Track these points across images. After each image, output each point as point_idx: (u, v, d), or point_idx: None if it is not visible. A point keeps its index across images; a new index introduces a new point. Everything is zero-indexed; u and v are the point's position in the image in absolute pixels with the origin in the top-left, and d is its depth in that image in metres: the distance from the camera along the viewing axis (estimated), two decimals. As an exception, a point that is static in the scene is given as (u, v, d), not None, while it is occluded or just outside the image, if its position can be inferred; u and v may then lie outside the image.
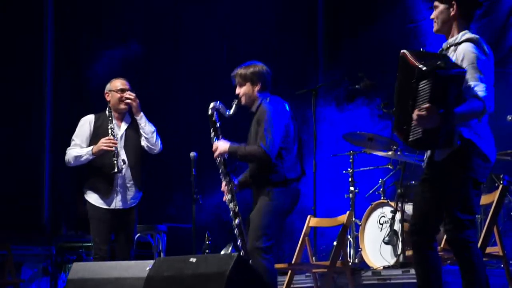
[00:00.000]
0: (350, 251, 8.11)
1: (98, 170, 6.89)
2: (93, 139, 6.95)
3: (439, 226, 4.94)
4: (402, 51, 4.76)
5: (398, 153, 7.81)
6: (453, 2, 4.86)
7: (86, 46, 10.20)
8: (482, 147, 4.76)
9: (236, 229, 6.11)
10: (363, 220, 7.89)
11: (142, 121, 7.02)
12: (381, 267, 7.41)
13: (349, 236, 8.03)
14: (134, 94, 7.01)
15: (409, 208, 7.26)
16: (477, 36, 4.82)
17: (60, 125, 10.08)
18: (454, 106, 4.56)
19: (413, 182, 7.66)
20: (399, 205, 7.26)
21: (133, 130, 7.06)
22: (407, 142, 4.76)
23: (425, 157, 5.03)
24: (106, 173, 6.84)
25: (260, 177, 6.11)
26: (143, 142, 7.02)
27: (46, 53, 10.10)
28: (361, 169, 8.59)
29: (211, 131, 6.27)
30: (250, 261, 5.84)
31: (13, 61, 9.78)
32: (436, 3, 4.95)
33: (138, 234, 8.44)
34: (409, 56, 4.67)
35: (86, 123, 7.05)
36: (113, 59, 10.06)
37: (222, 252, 6.07)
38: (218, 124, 6.26)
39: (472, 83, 4.62)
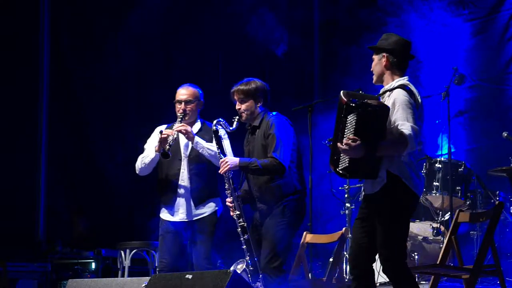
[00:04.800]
0: (347, 267, 8.10)
1: (164, 182, 6.64)
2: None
3: (374, 258, 5.22)
4: (341, 91, 5.12)
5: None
6: (384, 54, 5.28)
7: (82, 74, 10.29)
8: (408, 183, 5.08)
9: (244, 245, 6.08)
10: (359, 237, 7.88)
11: (198, 147, 6.52)
12: (378, 284, 7.40)
13: (345, 253, 8.02)
14: (180, 125, 6.48)
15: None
16: (408, 83, 5.22)
17: (55, 142, 10.10)
18: (378, 139, 4.98)
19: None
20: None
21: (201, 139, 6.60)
22: (337, 171, 5.13)
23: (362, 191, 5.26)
24: (169, 184, 6.59)
25: (270, 190, 6.08)
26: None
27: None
28: (357, 185, 8.60)
29: (217, 147, 6.23)
30: (261, 275, 5.97)
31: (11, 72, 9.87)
32: (373, 56, 5.36)
33: (134, 250, 8.40)
34: (342, 94, 5.06)
35: (157, 131, 6.71)
36: (109, 80, 10.13)
37: (232, 268, 6.05)
38: (222, 141, 6.23)
39: (399, 122, 5.03)
